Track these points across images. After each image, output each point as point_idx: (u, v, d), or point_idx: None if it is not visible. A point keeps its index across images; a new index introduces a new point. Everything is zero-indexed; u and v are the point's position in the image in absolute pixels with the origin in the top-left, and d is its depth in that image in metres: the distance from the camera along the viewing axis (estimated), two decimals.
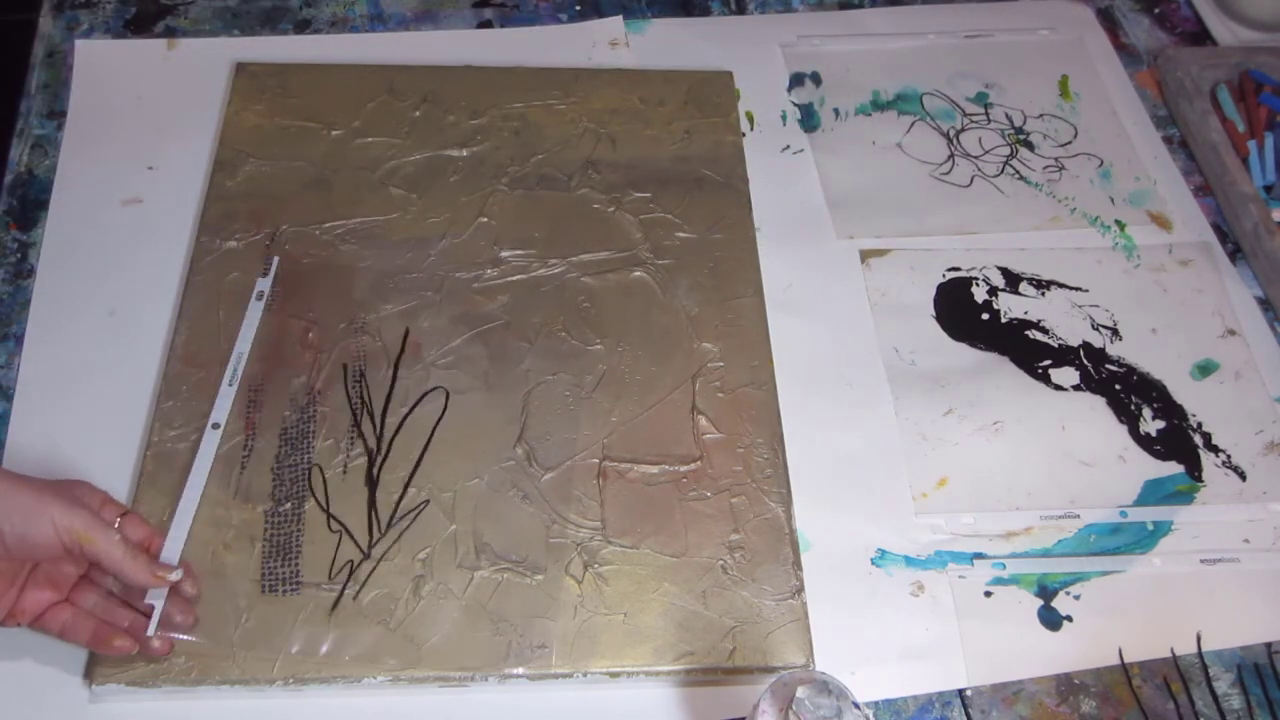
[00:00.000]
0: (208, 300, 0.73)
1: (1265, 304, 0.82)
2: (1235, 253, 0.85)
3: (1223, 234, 0.85)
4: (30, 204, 0.79)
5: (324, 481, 0.67)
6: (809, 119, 0.89)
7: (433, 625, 0.62)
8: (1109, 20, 0.99)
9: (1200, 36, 0.99)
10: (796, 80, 0.91)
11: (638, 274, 0.77)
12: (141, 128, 0.83)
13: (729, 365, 0.73)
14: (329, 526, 0.65)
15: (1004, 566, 0.68)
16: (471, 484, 0.67)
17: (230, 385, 0.69)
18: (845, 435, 0.73)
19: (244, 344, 0.71)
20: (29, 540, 0.54)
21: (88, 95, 0.84)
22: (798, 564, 0.66)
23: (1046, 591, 0.68)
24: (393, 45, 0.90)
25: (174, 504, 0.64)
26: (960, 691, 0.65)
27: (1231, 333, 0.80)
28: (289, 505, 0.66)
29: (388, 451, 0.68)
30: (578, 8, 0.94)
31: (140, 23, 0.90)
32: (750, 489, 0.69)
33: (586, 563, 0.65)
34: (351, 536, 0.65)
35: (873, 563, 0.68)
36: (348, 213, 0.78)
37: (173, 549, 0.62)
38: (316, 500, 0.66)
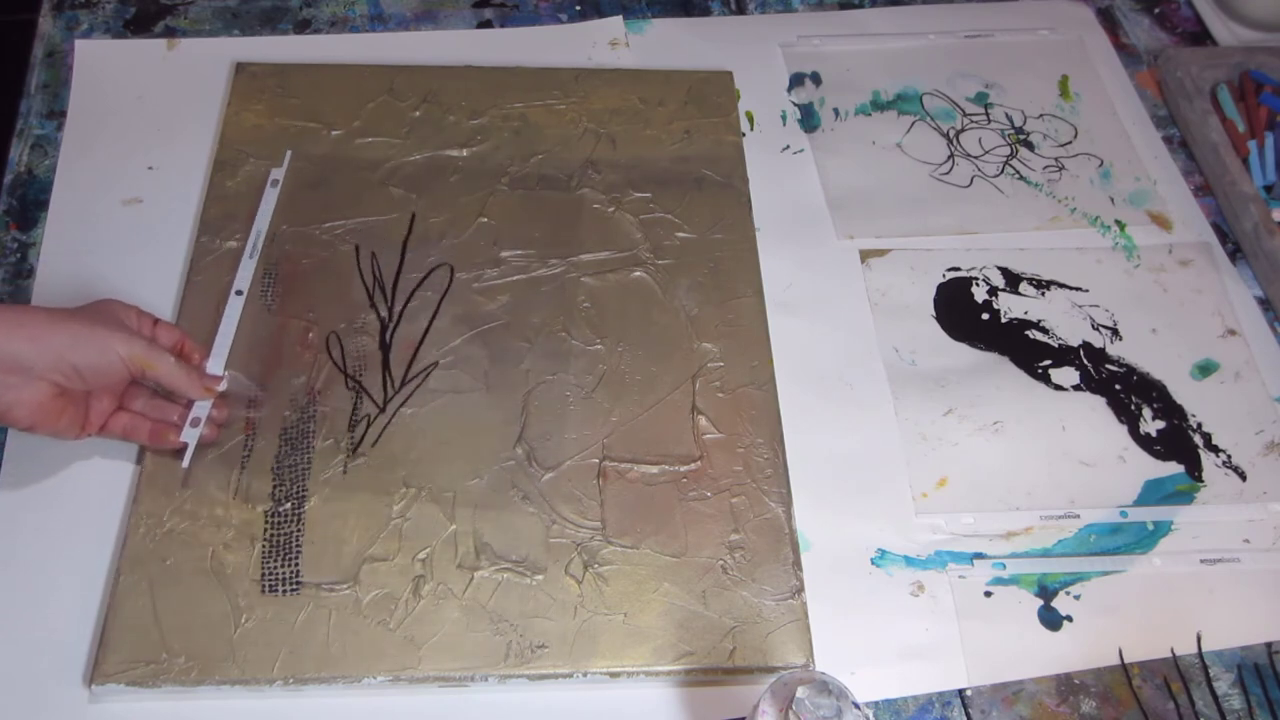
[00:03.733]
0: (208, 300, 0.73)
1: (1265, 304, 0.82)
2: (1235, 253, 0.85)
3: (1223, 234, 0.85)
4: (30, 204, 0.79)
5: (341, 347, 0.71)
6: (809, 119, 0.89)
7: (433, 625, 0.62)
8: (1109, 20, 0.99)
9: (1200, 36, 0.99)
10: (796, 80, 0.91)
11: (638, 274, 0.77)
12: (141, 128, 0.83)
13: (729, 365, 0.73)
14: (346, 385, 0.70)
15: (1004, 566, 0.68)
16: (471, 484, 0.67)
17: (251, 258, 0.74)
18: (845, 435, 0.73)
19: (262, 222, 0.76)
20: (101, 371, 0.61)
21: (88, 95, 0.84)
22: (798, 564, 0.66)
23: (1046, 591, 0.68)
24: (393, 45, 0.90)
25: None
26: (960, 691, 0.65)
27: (1231, 333, 0.80)
28: (289, 505, 0.66)
29: (398, 320, 0.73)
30: (578, 8, 0.94)
31: (140, 23, 0.90)
32: (750, 489, 0.69)
33: (586, 563, 0.65)
34: (368, 394, 0.70)
35: (873, 563, 0.68)
36: (348, 213, 0.78)
37: (216, 363, 0.69)
38: (334, 363, 0.71)
